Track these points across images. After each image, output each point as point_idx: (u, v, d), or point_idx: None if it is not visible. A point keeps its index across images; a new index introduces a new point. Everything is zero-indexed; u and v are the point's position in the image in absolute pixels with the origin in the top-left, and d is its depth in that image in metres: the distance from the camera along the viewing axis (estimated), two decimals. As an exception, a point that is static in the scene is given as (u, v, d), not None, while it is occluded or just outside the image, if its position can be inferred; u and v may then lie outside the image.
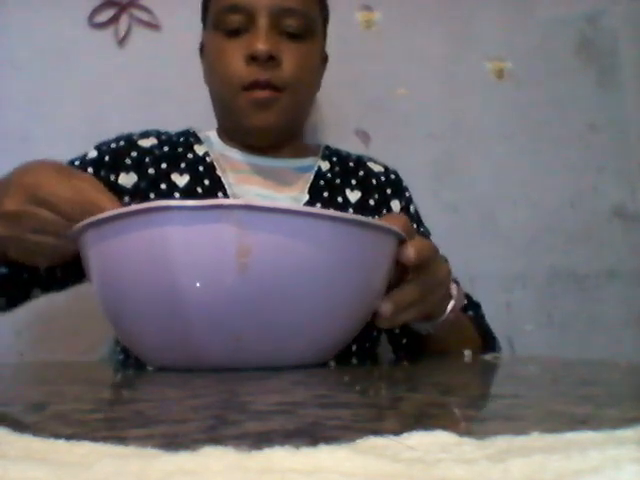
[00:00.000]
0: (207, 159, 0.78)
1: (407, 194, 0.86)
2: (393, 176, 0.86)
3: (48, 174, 0.55)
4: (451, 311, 0.59)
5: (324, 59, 0.84)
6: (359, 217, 0.45)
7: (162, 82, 1.04)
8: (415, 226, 0.82)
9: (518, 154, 1.13)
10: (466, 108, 1.13)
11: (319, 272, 0.43)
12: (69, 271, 0.72)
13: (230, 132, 0.80)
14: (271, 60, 0.71)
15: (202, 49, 0.82)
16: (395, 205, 0.83)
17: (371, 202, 0.80)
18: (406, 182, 0.88)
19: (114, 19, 1.05)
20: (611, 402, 0.28)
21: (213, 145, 0.81)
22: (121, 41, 1.05)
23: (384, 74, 1.11)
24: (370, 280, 0.48)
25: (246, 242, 0.41)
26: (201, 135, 0.82)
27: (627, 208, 1.15)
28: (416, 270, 0.52)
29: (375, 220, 0.49)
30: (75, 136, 1.01)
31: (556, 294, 1.11)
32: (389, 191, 0.83)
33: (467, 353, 0.66)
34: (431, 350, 0.71)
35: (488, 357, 0.64)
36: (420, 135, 1.11)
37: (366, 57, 1.11)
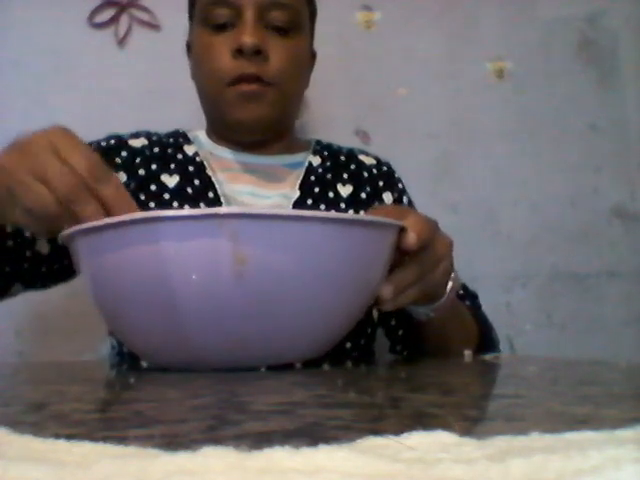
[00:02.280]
0: (197, 159, 0.77)
1: (400, 185, 0.85)
2: (385, 168, 0.85)
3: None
4: (450, 291, 0.58)
5: (312, 56, 0.83)
6: (356, 216, 0.45)
7: (162, 82, 1.04)
8: None
9: (518, 154, 1.13)
10: (466, 108, 1.13)
11: (317, 273, 0.43)
12: (55, 266, 0.71)
13: (219, 129, 0.79)
14: (258, 54, 0.70)
15: (189, 46, 0.81)
16: (387, 197, 0.82)
17: (363, 195, 0.80)
18: (405, 180, 0.87)
19: (114, 19, 1.05)
20: (611, 402, 0.28)
21: (202, 145, 0.80)
22: (121, 41, 1.05)
23: (384, 74, 1.11)
24: (369, 275, 0.48)
25: (242, 249, 0.40)
26: (190, 135, 0.82)
27: (627, 208, 1.15)
28: (416, 250, 0.52)
29: (372, 216, 0.49)
30: (75, 136, 1.01)
31: (556, 294, 1.11)
32: (381, 183, 0.83)
33: (467, 353, 0.66)
34: (430, 340, 0.70)
35: (488, 357, 0.64)
36: (420, 135, 1.11)
37: (366, 57, 1.11)
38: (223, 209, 0.42)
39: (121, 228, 0.43)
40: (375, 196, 0.81)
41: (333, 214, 0.44)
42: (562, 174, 1.14)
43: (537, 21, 1.16)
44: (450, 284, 0.58)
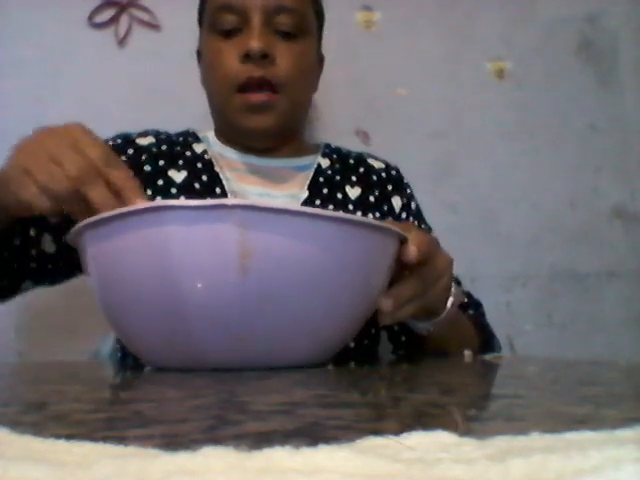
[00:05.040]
0: (205, 156, 0.78)
1: (408, 190, 0.85)
2: (394, 172, 0.86)
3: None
4: (450, 306, 0.59)
5: (320, 60, 0.84)
6: (362, 218, 0.45)
7: (162, 82, 1.04)
8: (416, 223, 0.82)
9: (518, 154, 1.13)
10: (466, 108, 1.13)
11: (321, 272, 0.43)
12: (61, 264, 0.72)
13: (227, 133, 0.80)
14: (265, 58, 0.71)
15: (199, 54, 0.82)
16: (396, 201, 0.83)
17: (371, 199, 0.80)
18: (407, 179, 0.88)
19: (114, 19, 1.05)
20: (611, 402, 0.28)
21: (211, 145, 0.81)
22: (121, 41, 1.05)
23: (384, 74, 1.11)
24: (371, 280, 0.48)
25: (248, 243, 0.41)
26: (200, 135, 0.82)
27: (627, 208, 1.15)
28: (417, 265, 0.53)
29: (377, 221, 0.49)
30: (75, 136, 1.01)
31: (556, 294, 1.11)
32: (390, 187, 0.83)
33: (467, 353, 0.66)
34: (430, 348, 0.71)
35: (488, 357, 0.64)
36: (420, 135, 1.11)
37: (366, 57, 1.11)
38: (230, 200, 0.42)
39: (127, 219, 0.43)
40: (384, 200, 0.82)
41: (336, 213, 0.44)
42: (562, 174, 1.14)
43: (537, 21, 1.16)
44: (450, 300, 0.59)
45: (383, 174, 0.84)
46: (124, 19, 1.05)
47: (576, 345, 1.09)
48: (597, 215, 1.14)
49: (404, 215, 0.82)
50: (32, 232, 0.70)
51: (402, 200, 0.83)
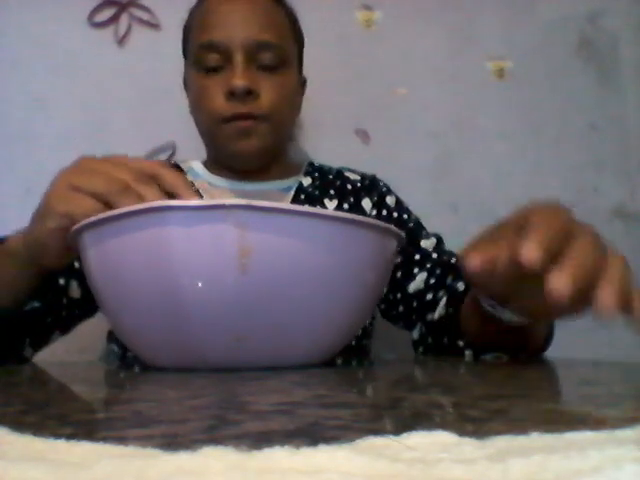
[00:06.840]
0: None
1: (383, 189, 0.87)
2: (367, 182, 0.88)
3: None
4: None
5: (302, 83, 0.87)
6: (359, 217, 0.45)
7: (162, 82, 1.04)
8: (396, 215, 0.84)
9: (518, 154, 1.13)
10: (466, 108, 1.13)
11: (320, 272, 0.43)
12: (86, 307, 0.72)
13: (218, 159, 0.83)
14: (249, 94, 0.74)
15: (185, 82, 0.84)
16: (365, 203, 0.85)
17: (345, 206, 0.83)
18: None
19: (114, 19, 1.05)
20: (611, 402, 0.28)
21: (199, 175, 0.84)
22: (121, 41, 1.05)
23: (384, 74, 1.11)
24: (370, 280, 0.48)
25: (247, 242, 0.41)
26: (184, 166, 0.85)
27: (627, 208, 1.14)
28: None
29: (375, 220, 0.49)
30: (75, 135, 1.01)
31: (556, 294, 1.11)
32: (362, 193, 0.86)
33: (467, 353, 0.66)
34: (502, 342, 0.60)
35: (488, 357, 0.64)
36: (420, 135, 1.11)
37: (366, 57, 1.11)
38: (229, 200, 0.42)
39: (127, 219, 0.43)
40: (356, 206, 0.84)
41: (334, 212, 0.44)
42: (562, 174, 1.14)
43: (537, 21, 1.16)
44: None
45: (358, 184, 0.87)
46: (124, 18, 1.05)
47: (576, 345, 1.09)
48: (597, 215, 1.14)
49: (375, 212, 0.85)
50: (61, 281, 0.70)
51: (372, 200, 0.86)
